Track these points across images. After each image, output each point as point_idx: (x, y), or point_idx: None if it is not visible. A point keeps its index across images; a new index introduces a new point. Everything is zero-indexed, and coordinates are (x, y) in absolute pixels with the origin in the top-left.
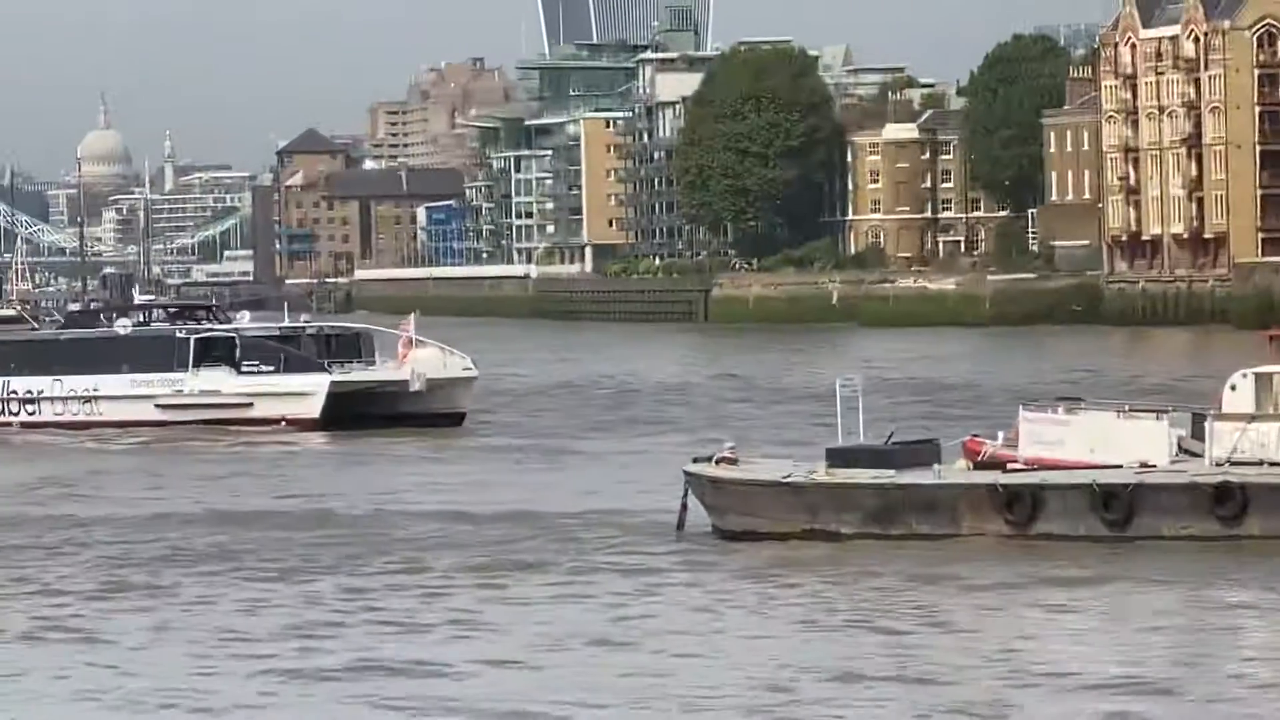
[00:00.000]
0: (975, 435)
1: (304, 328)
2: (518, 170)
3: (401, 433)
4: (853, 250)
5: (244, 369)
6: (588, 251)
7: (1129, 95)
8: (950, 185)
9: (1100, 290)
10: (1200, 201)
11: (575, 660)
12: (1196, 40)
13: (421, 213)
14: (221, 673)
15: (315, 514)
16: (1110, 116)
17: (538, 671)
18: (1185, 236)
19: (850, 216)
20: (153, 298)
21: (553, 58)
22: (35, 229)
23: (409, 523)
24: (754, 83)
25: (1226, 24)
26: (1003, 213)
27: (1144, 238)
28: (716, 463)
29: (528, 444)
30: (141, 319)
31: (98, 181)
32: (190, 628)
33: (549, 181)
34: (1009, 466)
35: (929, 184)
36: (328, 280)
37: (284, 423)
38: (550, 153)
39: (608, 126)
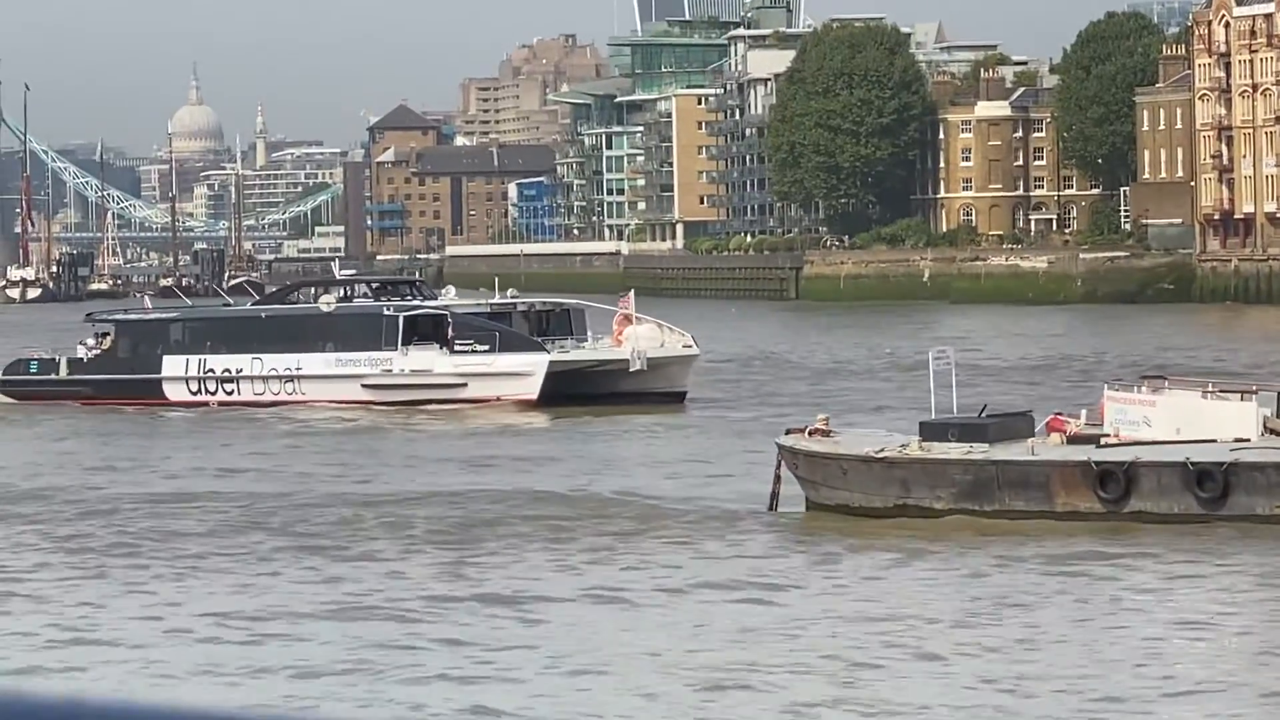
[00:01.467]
0: (1058, 414)
1: (515, 304)
2: (609, 147)
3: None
4: (944, 228)
5: (457, 348)
6: (678, 228)
7: (1222, 73)
8: (1042, 163)
9: (1192, 268)
10: None
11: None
12: None
13: (512, 189)
14: None
15: None
16: (1203, 94)
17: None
18: (1278, 214)
19: (942, 194)
20: (353, 273)
21: (644, 34)
22: (127, 204)
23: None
24: (846, 60)
25: None
26: (1094, 191)
27: (1237, 216)
28: (809, 434)
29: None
30: (344, 295)
31: (189, 157)
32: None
33: (640, 158)
34: (1102, 442)
35: (1021, 162)
36: (419, 256)
37: (499, 404)
38: (641, 129)
39: (699, 103)
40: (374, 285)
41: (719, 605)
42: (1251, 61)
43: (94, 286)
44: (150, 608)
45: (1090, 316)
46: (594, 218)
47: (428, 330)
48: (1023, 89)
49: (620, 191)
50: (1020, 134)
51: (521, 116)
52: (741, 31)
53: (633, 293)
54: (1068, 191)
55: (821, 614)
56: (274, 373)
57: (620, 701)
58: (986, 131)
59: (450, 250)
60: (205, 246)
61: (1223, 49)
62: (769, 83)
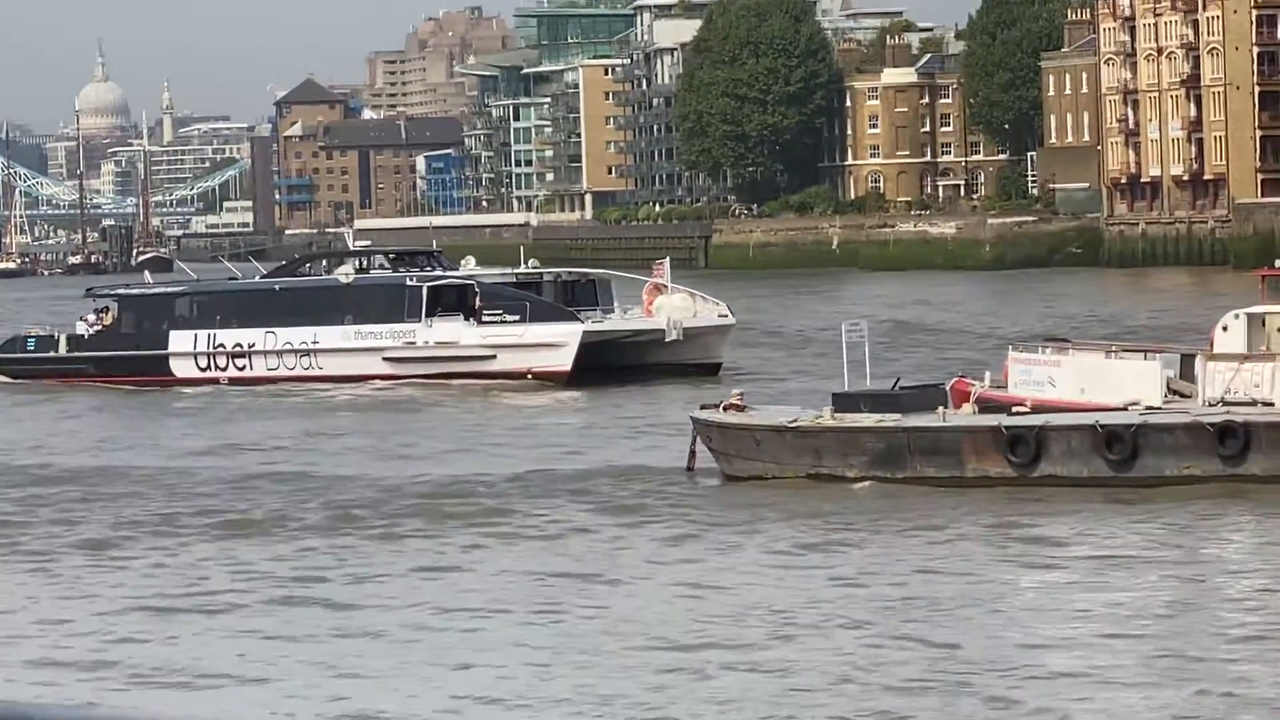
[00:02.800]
0: (962, 376)
1: (542, 274)
2: (516, 118)
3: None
4: (852, 195)
5: (485, 318)
6: (587, 198)
7: (1127, 37)
8: (949, 129)
9: (1100, 233)
10: (1199, 143)
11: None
12: None
13: (421, 162)
14: None
15: None
16: (1108, 58)
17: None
18: (1185, 178)
19: (849, 161)
20: (368, 244)
21: (551, 5)
22: (33, 182)
23: None
24: (752, 28)
25: None
26: (1002, 156)
27: (1143, 180)
28: (724, 409)
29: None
30: (360, 266)
31: (96, 134)
32: None
33: (548, 129)
34: (1013, 409)
35: (928, 128)
36: (328, 230)
37: (530, 376)
38: (549, 100)
39: (606, 74)
40: (391, 256)
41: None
42: (1156, 25)
43: (1, 265)
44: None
45: (998, 282)
46: (502, 189)
47: (452, 301)
48: (929, 55)
49: (528, 163)
50: (927, 100)
51: (429, 89)
52: (647, 1)
53: (668, 261)
54: (975, 157)
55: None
56: (289, 347)
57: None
58: (893, 98)
59: (359, 224)
60: (113, 223)
61: (1127, 13)
62: (675, 52)
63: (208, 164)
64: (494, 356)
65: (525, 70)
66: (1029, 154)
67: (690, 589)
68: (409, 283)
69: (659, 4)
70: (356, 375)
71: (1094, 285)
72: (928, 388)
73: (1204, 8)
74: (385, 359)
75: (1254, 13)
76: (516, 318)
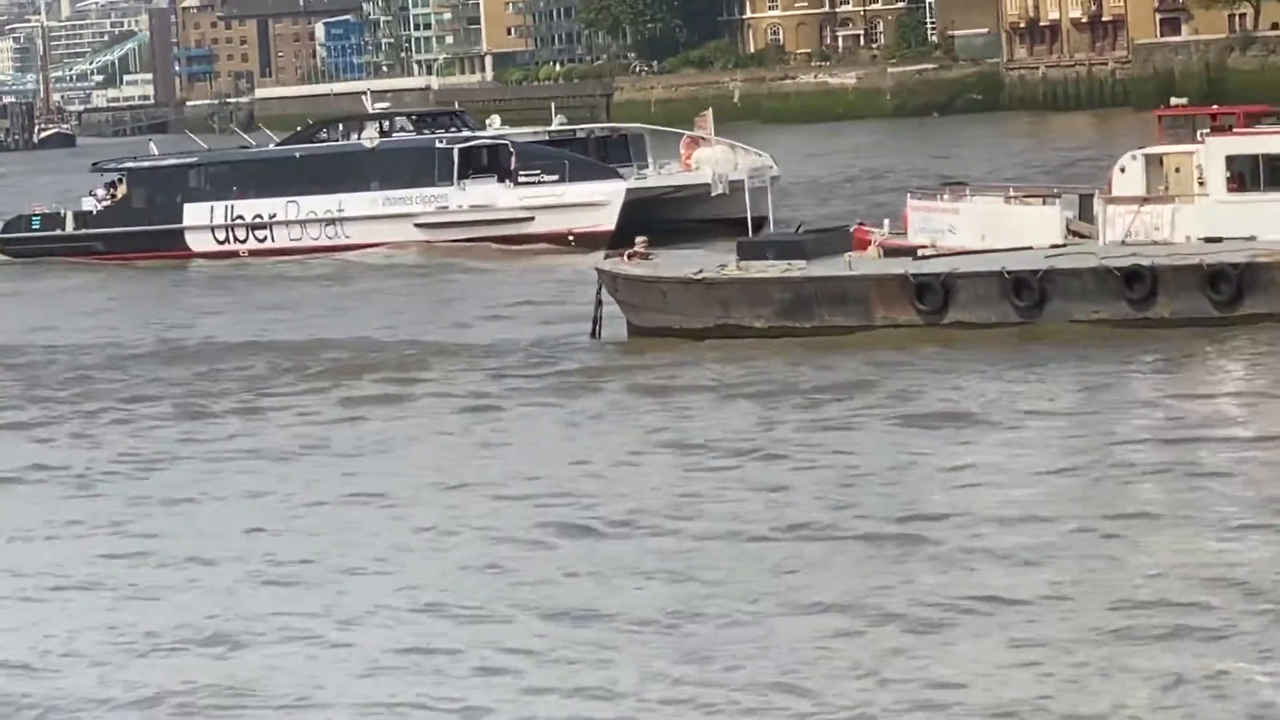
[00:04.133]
0: (861, 224)
1: (575, 130)
2: None
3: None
4: (752, 48)
5: (522, 179)
6: (487, 60)
7: None
8: None
9: (1000, 78)
10: None
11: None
12: None
13: (320, 29)
14: None
15: None
16: None
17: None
18: (1084, 20)
19: (748, 15)
20: (386, 106)
21: None
22: None
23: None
24: None
25: None
26: (901, 4)
27: (1042, 23)
28: (629, 259)
29: None
30: (382, 130)
31: None
32: None
33: None
34: (919, 254)
35: None
36: (229, 100)
37: (571, 238)
38: None
39: None
40: (414, 118)
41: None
42: None
43: None
44: None
45: (901, 130)
46: (402, 54)
47: (484, 162)
48: None
49: (427, 26)
50: None
51: None
52: None
53: (710, 112)
54: (874, 6)
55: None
56: (313, 216)
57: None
58: None
59: (260, 93)
60: (14, 100)
61: None
62: None
63: (106, 38)
64: (532, 219)
65: None
66: (928, 1)
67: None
68: (439, 145)
69: None
70: (386, 243)
71: (995, 129)
72: (831, 231)
73: None
74: (417, 225)
75: None
76: (555, 177)
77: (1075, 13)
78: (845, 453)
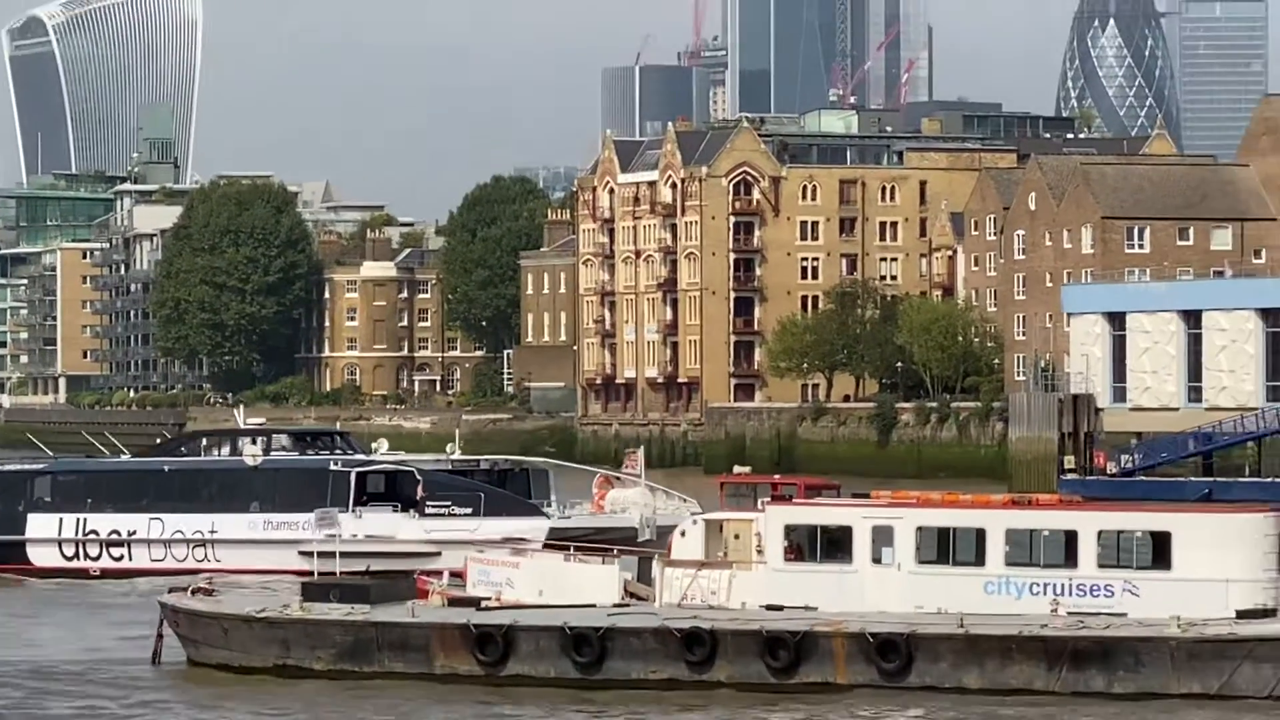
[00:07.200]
0: (421, 574)
1: (477, 461)
2: None
3: None
4: (329, 386)
5: (430, 510)
6: (61, 382)
7: (606, 239)
8: (427, 324)
9: (574, 431)
10: (675, 346)
11: None
12: (674, 186)
13: None
14: None
15: None
16: (587, 259)
17: None
18: (659, 380)
19: (327, 353)
20: (261, 421)
21: (30, 186)
22: None
23: None
24: (233, 217)
25: (704, 170)
26: (479, 353)
27: (618, 380)
28: (192, 593)
29: None
30: (262, 445)
31: None
32: None
33: (24, 311)
34: (483, 605)
35: (406, 322)
36: None
37: None
38: (25, 282)
39: (85, 257)
40: (292, 436)
41: None
42: (635, 228)
43: None
44: None
45: None
46: None
47: (382, 488)
48: (409, 250)
49: (3, 344)
50: (406, 295)
51: None
52: (128, 186)
53: (641, 451)
54: (452, 353)
55: None
56: (180, 535)
57: None
58: (372, 291)
59: None
60: None
61: (607, 215)
62: (155, 238)
63: None
64: (439, 554)
65: (2, 251)
66: (506, 351)
67: None
68: (334, 466)
69: (140, 189)
70: (265, 570)
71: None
72: (398, 577)
73: (682, 213)
74: (302, 552)
75: (731, 219)
76: (468, 510)
77: (651, 372)
78: None
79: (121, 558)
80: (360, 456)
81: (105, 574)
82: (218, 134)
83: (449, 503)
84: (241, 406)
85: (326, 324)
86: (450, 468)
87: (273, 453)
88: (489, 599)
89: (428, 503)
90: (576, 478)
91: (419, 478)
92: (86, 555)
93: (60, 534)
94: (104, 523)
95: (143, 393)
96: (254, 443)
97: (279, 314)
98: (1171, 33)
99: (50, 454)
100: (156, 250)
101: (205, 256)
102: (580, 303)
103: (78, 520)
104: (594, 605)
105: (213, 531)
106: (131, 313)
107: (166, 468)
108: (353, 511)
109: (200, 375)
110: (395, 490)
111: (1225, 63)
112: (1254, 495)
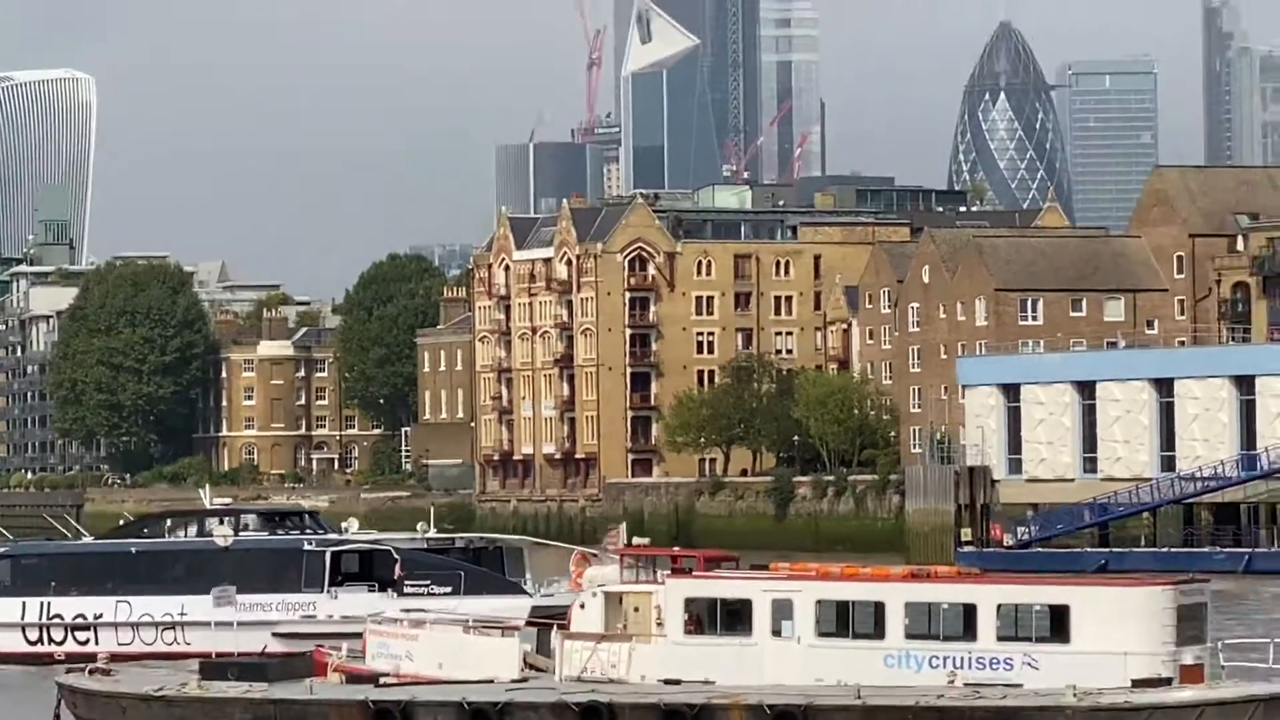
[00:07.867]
0: (319, 647)
1: (453, 539)
2: None
3: None
4: (227, 466)
5: (408, 589)
6: None
7: (502, 315)
8: (325, 402)
9: (473, 508)
10: (572, 421)
11: None
12: (569, 263)
13: None
14: None
15: None
16: (484, 336)
17: None
18: (557, 456)
19: (224, 432)
20: (229, 501)
21: None
22: None
23: None
24: (129, 298)
25: (599, 247)
26: (377, 430)
27: (516, 457)
28: (90, 673)
29: None
30: (230, 525)
31: None
32: None
33: None
34: (381, 681)
35: (303, 401)
36: None
37: None
38: None
39: None
40: (261, 515)
41: None
42: (531, 304)
43: None
44: None
45: None
46: None
47: (356, 568)
48: (305, 329)
49: None
50: (303, 373)
51: None
52: (24, 268)
53: (623, 526)
54: (350, 431)
55: None
56: (148, 619)
57: None
58: (269, 370)
59: None
60: None
61: (503, 292)
62: (51, 320)
63: None
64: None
65: None
66: (404, 429)
67: None
68: (307, 547)
69: (36, 271)
70: (235, 653)
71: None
72: (294, 656)
73: (578, 289)
74: (276, 635)
75: (626, 295)
76: (448, 589)
77: (549, 448)
78: None
79: (87, 641)
80: (334, 536)
81: (70, 658)
82: (113, 215)
83: (428, 581)
84: (207, 487)
85: (224, 403)
86: (426, 546)
87: (242, 533)
88: (387, 674)
89: (406, 582)
90: (545, 555)
91: (396, 556)
92: (51, 640)
93: (24, 619)
94: (69, 606)
95: (40, 474)
96: (222, 523)
97: (176, 394)
98: (1062, 105)
99: (10, 537)
100: (53, 332)
101: (102, 337)
102: (477, 380)
103: (41, 604)
104: (493, 680)
105: (182, 614)
106: (29, 394)
107: (134, 549)
108: (328, 592)
109: (98, 456)
110: (370, 569)
111: (1115, 135)
112: (1149, 566)
